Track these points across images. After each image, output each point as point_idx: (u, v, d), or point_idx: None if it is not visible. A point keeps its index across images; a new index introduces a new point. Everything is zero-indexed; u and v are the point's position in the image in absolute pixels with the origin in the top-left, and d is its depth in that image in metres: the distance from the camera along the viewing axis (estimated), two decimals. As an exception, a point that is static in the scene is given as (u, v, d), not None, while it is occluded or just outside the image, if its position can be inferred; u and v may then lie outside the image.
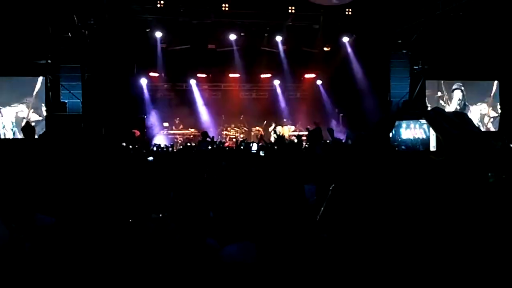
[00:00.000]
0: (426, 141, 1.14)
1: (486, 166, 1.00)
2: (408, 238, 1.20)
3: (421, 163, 1.11)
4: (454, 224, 1.03)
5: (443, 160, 1.04)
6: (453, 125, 1.02)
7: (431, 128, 1.09)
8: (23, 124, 13.64)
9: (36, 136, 8.60)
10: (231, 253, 2.45)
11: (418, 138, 1.14)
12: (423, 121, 1.17)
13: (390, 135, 1.20)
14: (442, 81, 17.15)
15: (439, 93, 17.13)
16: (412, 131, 1.16)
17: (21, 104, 14.37)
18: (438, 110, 1.06)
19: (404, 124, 1.18)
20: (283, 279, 1.77)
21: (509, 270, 0.99)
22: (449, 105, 17.02)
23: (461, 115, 1.06)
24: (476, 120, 16.90)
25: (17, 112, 14.41)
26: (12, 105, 14.33)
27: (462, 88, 17.21)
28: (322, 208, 1.19)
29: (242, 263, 2.28)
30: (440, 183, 1.06)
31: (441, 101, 17.02)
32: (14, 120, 14.35)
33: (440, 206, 1.06)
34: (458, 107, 16.97)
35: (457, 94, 17.15)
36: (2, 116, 14.22)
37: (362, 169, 1.09)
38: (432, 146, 1.15)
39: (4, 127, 14.25)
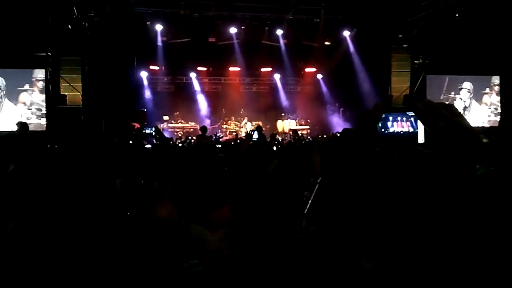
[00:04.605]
0: (413, 134, 1.14)
1: (473, 158, 0.99)
2: (397, 231, 1.20)
3: (409, 155, 1.11)
4: (443, 216, 1.03)
5: (431, 152, 1.04)
6: (440, 117, 1.02)
7: (419, 121, 1.08)
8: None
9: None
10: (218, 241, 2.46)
11: (405, 131, 1.14)
12: (411, 113, 1.17)
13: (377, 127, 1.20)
14: (448, 78, 16.99)
15: (447, 90, 16.94)
16: (399, 123, 1.16)
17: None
18: (426, 102, 1.05)
19: (391, 117, 1.17)
20: (261, 271, 1.78)
21: (499, 259, 0.99)
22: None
23: (449, 107, 1.05)
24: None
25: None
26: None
27: (469, 87, 17.04)
28: (309, 201, 1.19)
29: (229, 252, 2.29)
30: (428, 175, 1.05)
31: (448, 96, 16.85)
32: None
33: (428, 198, 1.06)
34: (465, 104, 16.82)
35: (464, 93, 17.03)
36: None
37: (350, 162, 1.09)
38: (421, 138, 1.14)
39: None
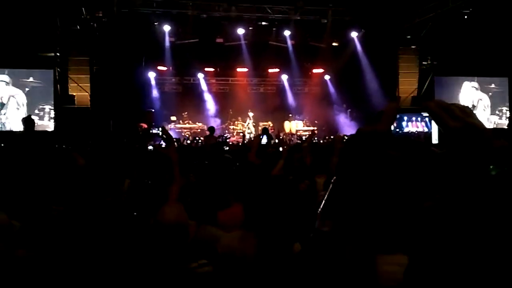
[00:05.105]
0: (428, 134, 1.14)
1: (486, 159, 0.99)
2: (410, 231, 1.20)
3: (423, 156, 1.11)
4: (456, 217, 1.03)
5: (444, 153, 1.03)
6: (454, 118, 1.01)
7: (433, 121, 1.08)
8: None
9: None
10: (229, 241, 2.46)
11: (420, 131, 1.13)
12: (425, 114, 1.17)
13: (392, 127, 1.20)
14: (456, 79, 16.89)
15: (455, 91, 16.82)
16: (414, 123, 1.15)
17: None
18: (439, 102, 1.05)
19: (405, 117, 1.17)
20: (280, 270, 1.78)
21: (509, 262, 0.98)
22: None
23: (463, 108, 1.05)
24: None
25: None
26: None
27: (477, 86, 16.93)
28: (323, 201, 1.19)
29: (240, 252, 2.29)
30: (442, 176, 1.05)
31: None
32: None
33: (442, 199, 1.05)
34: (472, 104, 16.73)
35: (471, 92, 16.93)
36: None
37: (364, 162, 1.09)
38: (435, 139, 1.14)
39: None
